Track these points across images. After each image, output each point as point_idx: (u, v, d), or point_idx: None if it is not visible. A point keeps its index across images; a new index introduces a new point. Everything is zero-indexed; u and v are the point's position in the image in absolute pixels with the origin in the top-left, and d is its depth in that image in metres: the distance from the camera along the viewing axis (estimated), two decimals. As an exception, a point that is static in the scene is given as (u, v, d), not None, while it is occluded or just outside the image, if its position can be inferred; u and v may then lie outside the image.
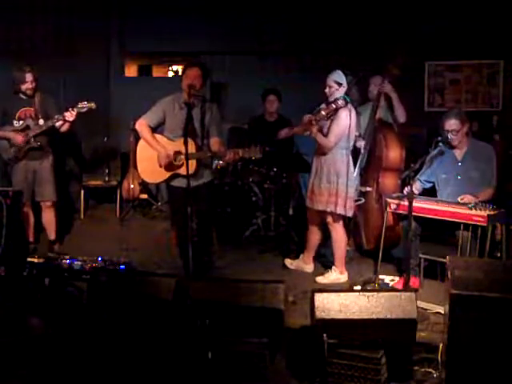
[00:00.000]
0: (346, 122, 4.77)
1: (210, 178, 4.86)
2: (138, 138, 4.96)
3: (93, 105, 5.30)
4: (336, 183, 4.84)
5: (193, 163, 4.44)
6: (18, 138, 5.35)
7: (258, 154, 4.46)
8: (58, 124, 5.34)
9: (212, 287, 3.57)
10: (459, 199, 4.52)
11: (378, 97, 5.52)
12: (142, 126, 4.70)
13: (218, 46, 7.72)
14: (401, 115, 5.60)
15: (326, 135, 4.84)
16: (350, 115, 4.78)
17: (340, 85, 4.81)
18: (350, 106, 4.81)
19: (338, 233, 5.02)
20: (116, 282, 3.67)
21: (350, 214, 4.96)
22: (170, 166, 4.63)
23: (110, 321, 3.52)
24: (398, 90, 5.64)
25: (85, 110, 5.29)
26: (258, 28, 7.66)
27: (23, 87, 5.37)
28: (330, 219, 4.99)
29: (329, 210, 4.90)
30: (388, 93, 5.53)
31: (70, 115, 5.25)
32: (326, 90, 4.88)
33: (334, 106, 4.76)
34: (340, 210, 4.87)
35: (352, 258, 5.37)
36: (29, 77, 5.34)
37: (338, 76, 4.83)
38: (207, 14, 7.61)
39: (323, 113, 4.79)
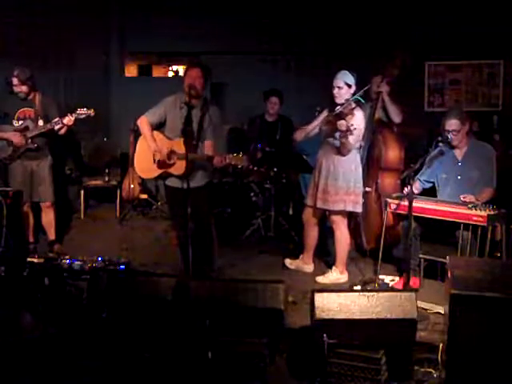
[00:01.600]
0: (363, 124, 4.83)
1: (206, 180, 4.82)
2: (138, 138, 4.97)
3: (91, 112, 5.34)
4: (354, 182, 4.87)
5: (183, 164, 4.41)
6: (16, 139, 5.35)
7: (245, 162, 4.44)
8: (56, 127, 5.35)
9: (212, 287, 3.56)
10: (461, 197, 4.52)
11: (377, 97, 5.52)
12: (142, 121, 4.72)
13: (217, 46, 7.72)
14: (394, 116, 5.57)
15: (342, 136, 4.72)
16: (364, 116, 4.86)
17: (350, 86, 4.80)
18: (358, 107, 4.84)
19: (343, 232, 5.01)
20: (116, 282, 3.67)
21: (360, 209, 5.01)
22: (162, 164, 4.63)
23: (109, 321, 3.52)
24: (398, 90, 5.64)
25: (83, 116, 5.33)
26: (258, 28, 7.66)
27: (15, 89, 5.39)
28: (336, 219, 4.98)
29: (348, 209, 4.89)
30: (382, 94, 5.51)
31: (69, 120, 5.29)
32: (335, 92, 4.81)
33: (349, 107, 4.73)
34: (358, 208, 4.94)
35: (352, 258, 5.36)
36: (15, 81, 5.35)
37: (347, 77, 4.79)
38: (207, 14, 7.61)
39: (345, 112, 4.68)
